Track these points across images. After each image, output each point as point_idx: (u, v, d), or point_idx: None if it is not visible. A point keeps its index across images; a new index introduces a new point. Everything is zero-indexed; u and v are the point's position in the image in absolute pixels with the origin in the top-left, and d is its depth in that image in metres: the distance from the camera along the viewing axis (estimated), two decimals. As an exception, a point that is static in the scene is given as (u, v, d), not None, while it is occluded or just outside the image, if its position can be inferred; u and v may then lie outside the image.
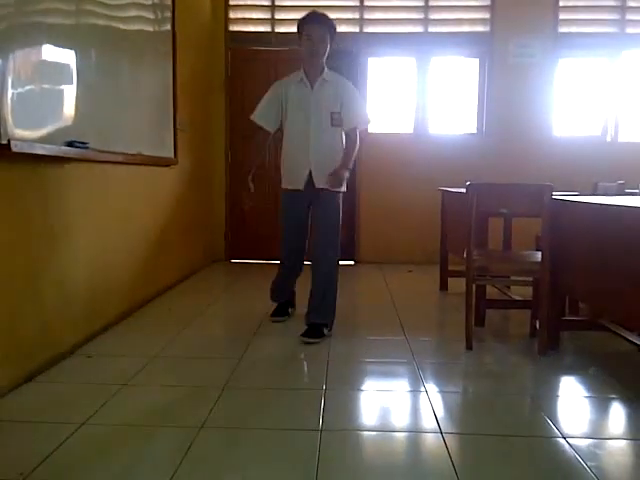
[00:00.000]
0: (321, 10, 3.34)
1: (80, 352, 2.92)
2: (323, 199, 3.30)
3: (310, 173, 3.28)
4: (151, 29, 3.83)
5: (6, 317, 2.37)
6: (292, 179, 3.36)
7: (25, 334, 2.51)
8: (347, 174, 3.25)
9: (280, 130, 3.44)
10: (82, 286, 3.04)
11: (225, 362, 2.83)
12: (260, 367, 2.80)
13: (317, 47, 3.22)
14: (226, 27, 5.89)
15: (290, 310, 3.72)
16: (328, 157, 3.28)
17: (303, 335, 3.20)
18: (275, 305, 3.71)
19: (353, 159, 3.34)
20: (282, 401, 2.38)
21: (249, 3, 5.92)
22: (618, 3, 5.78)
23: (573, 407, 2.41)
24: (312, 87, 3.30)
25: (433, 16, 5.86)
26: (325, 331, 3.25)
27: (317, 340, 3.17)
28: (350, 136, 3.34)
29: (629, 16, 5.78)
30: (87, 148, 2.74)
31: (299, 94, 3.30)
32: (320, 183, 3.27)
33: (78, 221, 2.99)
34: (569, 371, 2.83)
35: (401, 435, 2.12)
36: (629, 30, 5.80)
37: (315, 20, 3.25)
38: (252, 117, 3.39)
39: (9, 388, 2.37)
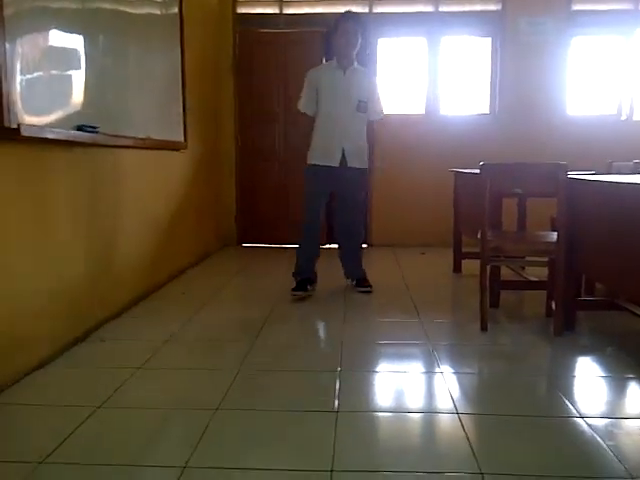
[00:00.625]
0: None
1: (94, 336, 2.93)
2: (352, 176, 3.81)
3: (343, 153, 3.76)
4: (159, 12, 3.80)
5: (16, 303, 2.38)
6: (326, 156, 3.77)
7: (37, 319, 2.52)
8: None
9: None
10: (93, 270, 3.04)
11: (239, 345, 2.83)
12: (274, 349, 2.79)
13: (352, 39, 3.71)
14: (234, 9, 5.83)
15: (309, 287, 3.82)
16: (357, 139, 3.82)
17: (359, 287, 3.92)
18: (295, 282, 3.84)
19: None
20: (297, 383, 2.38)
21: (257, -16, 5.86)
22: (633, -22, 5.67)
23: (590, 387, 2.39)
24: (344, 73, 3.76)
25: (444, -5, 5.76)
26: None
27: (370, 289, 3.89)
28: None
29: (644, -8, 5.66)
30: (97, 132, 2.73)
31: (332, 79, 3.77)
32: (351, 162, 3.79)
33: (88, 205, 2.98)
34: (585, 351, 2.81)
35: (417, 416, 2.12)
36: (644, 6, 5.68)
37: (352, 18, 3.77)
38: (299, 107, 3.85)
39: (25, 373, 2.38)
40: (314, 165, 3.80)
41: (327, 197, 3.90)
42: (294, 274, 3.88)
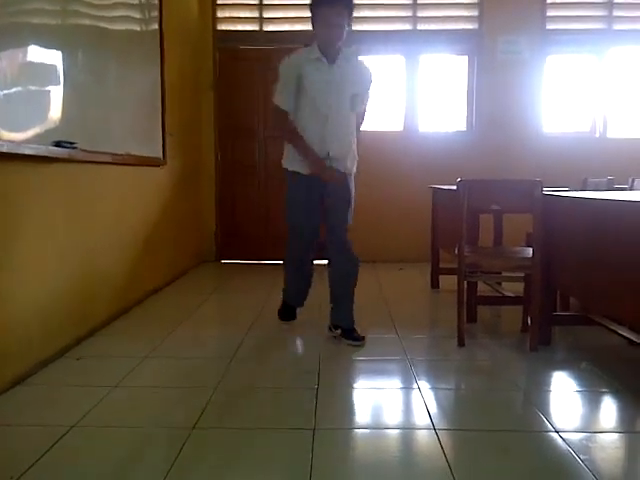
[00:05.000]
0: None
1: (69, 355, 2.89)
2: (339, 183, 3.12)
3: (328, 156, 3.06)
4: (138, 29, 3.81)
5: (-6, 320, 2.35)
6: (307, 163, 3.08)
7: (12, 337, 2.49)
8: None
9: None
10: (70, 288, 3.01)
11: (216, 363, 2.81)
12: (252, 367, 2.78)
13: (339, 30, 2.93)
14: (214, 26, 5.86)
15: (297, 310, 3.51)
16: (346, 141, 3.12)
17: (348, 338, 3.13)
18: (282, 303, 3.50)
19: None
20: (274, 400, 2.38)
21: (237, 2, 5.89)
22: (605, -1, 5.81)
23: (565, 401, 2.41)
24: (333, 65, 3.03)
25: (421, 14, 5.85)
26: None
27: (363, 342, 3.11)
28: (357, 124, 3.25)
29: (616, 12, 5.80)
30: (75, 148, 2.72)
31: (318, 72, 3.01)
32: (340, 167, 3.10)
33: (66, 222, 2.96)
34: (561, 366, 2.84)
35: (395, 432, 2.12)
36: (616, 26, 5.81)
37: (330, 1, 2.91)
38: (278, 103, 3.07)
39: (-2, 391, 2.35)
40: (300, 173, 3.10)
41: (318, 205, 3.13)
42: (284, 296, 3.49)
